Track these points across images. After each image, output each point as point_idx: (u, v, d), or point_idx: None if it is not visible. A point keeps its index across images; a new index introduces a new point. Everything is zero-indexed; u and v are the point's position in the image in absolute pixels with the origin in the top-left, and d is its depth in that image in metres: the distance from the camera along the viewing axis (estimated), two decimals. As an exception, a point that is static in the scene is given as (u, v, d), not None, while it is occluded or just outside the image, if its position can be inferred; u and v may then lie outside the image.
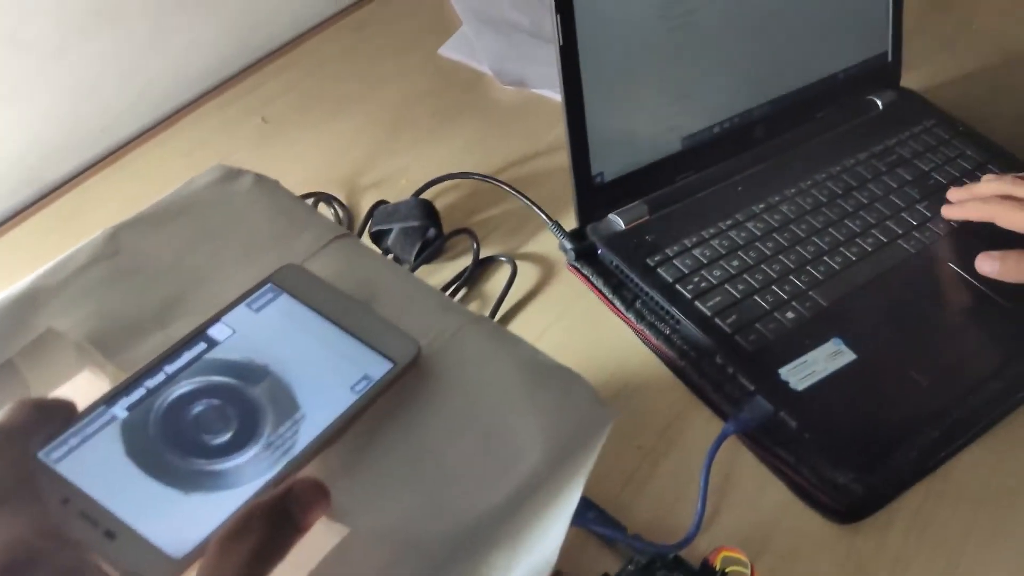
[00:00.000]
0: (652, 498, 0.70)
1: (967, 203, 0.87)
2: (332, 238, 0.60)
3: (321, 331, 0.53)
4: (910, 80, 1.04)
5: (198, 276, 0.57)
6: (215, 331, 0.52)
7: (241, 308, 0.54)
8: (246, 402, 0.49)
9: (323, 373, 0.51)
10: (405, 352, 0.52)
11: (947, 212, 0.88)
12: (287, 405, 0.49)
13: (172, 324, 0.55)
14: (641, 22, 0.82)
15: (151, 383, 0.49)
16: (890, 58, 1.01)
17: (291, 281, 0.55)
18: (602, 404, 0.53)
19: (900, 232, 0.87)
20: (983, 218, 0.85)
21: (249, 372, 0.51)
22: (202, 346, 0.51)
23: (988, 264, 0.82)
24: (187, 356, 0.51)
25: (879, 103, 1.01)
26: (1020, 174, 0.86)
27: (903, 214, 0.88)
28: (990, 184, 0.86)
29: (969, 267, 0.83)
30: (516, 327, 0.82)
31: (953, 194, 0.89)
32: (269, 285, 0.55)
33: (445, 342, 0.54)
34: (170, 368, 0.50)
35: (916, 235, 0.87)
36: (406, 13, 1.17)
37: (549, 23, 0.77)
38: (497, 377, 0.53)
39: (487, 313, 0.81)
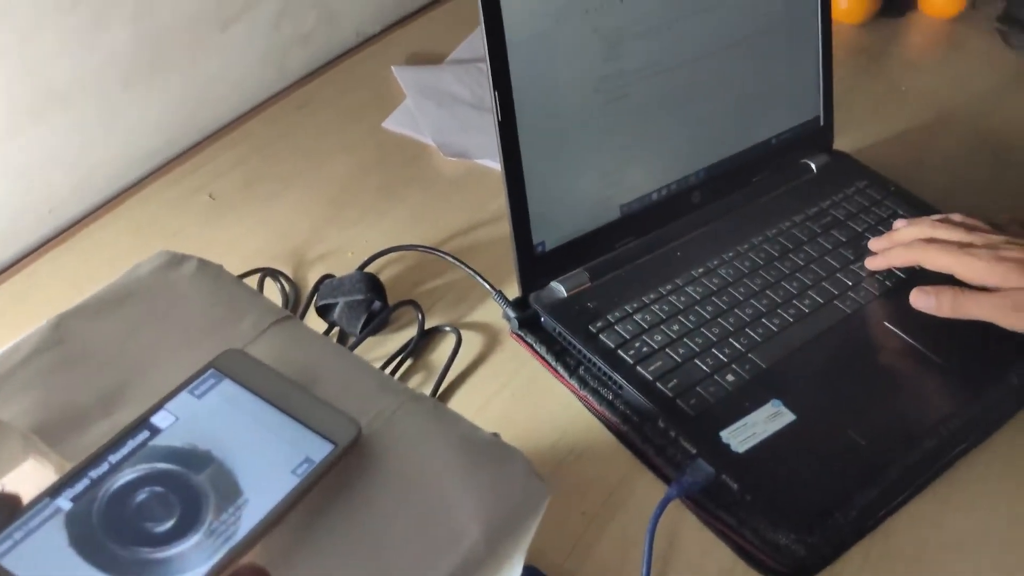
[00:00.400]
0: (598, 564, 0.71)
1: (890, 251, 0.89)
2: (273, 321, 0.61)
3: (263, 415, 0.54)
4: (843, 143, 1.07)
5: (142, 363, 0.58)
6: (158, 419, 0.53)
7: (184, 395, 0.54)
8: (189, 489, 0.50)
9: (265, 457, 0.52)
10: (346, 433, 0.53)
11: (872, 263, 0.90)
12: (230, 491, 0.50)
13: (117, 411, 0.55)
14: (577, 96, 0.84)
15: (95, 473, 0.50)
16: (822, 122, 1.04)
17: (233, 366, 0.56)
18: (539, 479, 0.54)
19: (836, 293, 0.89)
20: (908, 263, 0.87)
21: (192, 459, 0.51)
22: (145, 434, 0.52)
23: (923, 300, 0.84)
24: (130, 445, 0.51)
25: (813, 166, 1.04)
26: (936, 217, 0.89)
27: (838, 275, 0.91)
28: (910, 229, 0.89)
29: (904, 325, 0.85)
30: (462, 396, 0.83)
31: (874, 244, 0.92)
32: (212, 371, 0.56)
33: (384, 422, 0.55)
34: (114, 457, 0.51)
35: (851, 295, 0.89)
36: (350, 88, 1.19)
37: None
38: (435, 456, 0.54)
39: (433, 383, 0.82)
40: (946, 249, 0.84)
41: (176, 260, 0.65)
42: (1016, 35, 1.34)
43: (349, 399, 0.55)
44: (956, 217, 0.88)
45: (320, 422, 0.53)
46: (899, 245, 0.88)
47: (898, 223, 0.92)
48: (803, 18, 0.99)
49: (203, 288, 0.63)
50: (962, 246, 0.84)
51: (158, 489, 0.50)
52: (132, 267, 0.65)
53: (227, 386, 0.55)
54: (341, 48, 1.26)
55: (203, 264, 0.65)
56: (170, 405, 0.54)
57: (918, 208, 0.98)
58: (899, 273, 0.90)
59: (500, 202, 0.83)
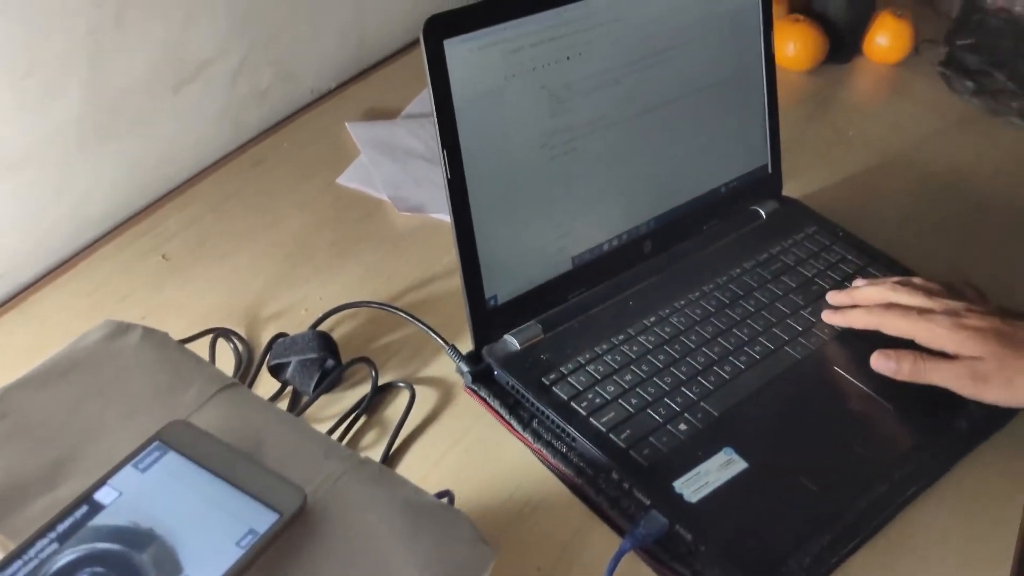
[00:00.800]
0: (554, 620, 0.71)
1: (850, 312, 0.90)
2: (218, 388, 0.61)
3: (207, 487, 0.54)
4: (792, 188, 1.09)
5: (87, 435, 0.58)
6: (101, 495, 0.53)
7: (128, 469, 0.54)
8: (130, 568, 0.50)
9: (208, 530, 0.52)
10: (291, 502, 0.53)
11: (830, 319, 0.91)
12: (171, 568, 0.50)
13: (61, 485, 0.55)
14: (526, 152, 0.85)
15: (36, 554, 0.50)
16: (770, 169, 1.06)
17: (178, 438, 0.56)
18: (484, 543, 0.54)
19: (786, 339, 0.90)
20: (868, 327, 0.88)
21: (133, 537, 0.51)
22: (87, 512, 0.52)
23: (884, 364, 0.85)
24: (72, 523, 0.51)
25: (763, 213, 1.05)
26: (895, 279, 0.90)
27: (789, 320, 0.92)
28: (870, 291, 0.90)
29: (854, 370, 0.86)
30: (416, 452, 0.83)
31: (834, 298, 0.93)
32: (156, 443, 0.56)
33: (329, 488, 0.55)
34: (55, 537, 0.50)
35: (802, 341, 0.90)
36: (304, 145, 1.20)
37: (440, 153, 0.80)
38: (380, 521, 0.54)
39: (387, 440, 0.82)
40: (906, 315, 0.85)
41: (121, 329, 0.65)
42: (959, 79, 1.37)
43: (294, 466, 0.56)
44: (916, 280, 0.90)
45: (265, 492, 0.54)
46: (859, 307, 0.90)
47: (858, 282, 0.93)
48: (748, 68, 1.01)
49: (148, 357, 0.63)
50: (922, 312, 0.85)
51: (99, 570, 0.49)
52: (77, 337, 0.65)
53: (172, 458, 0.55)
54: (297, 105, 1.27)
55: (148, 332, 0.65)
56: (114, 480, 0.54)
57: (866, 253, 1.00)
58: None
59: (454, 256, 0.83)
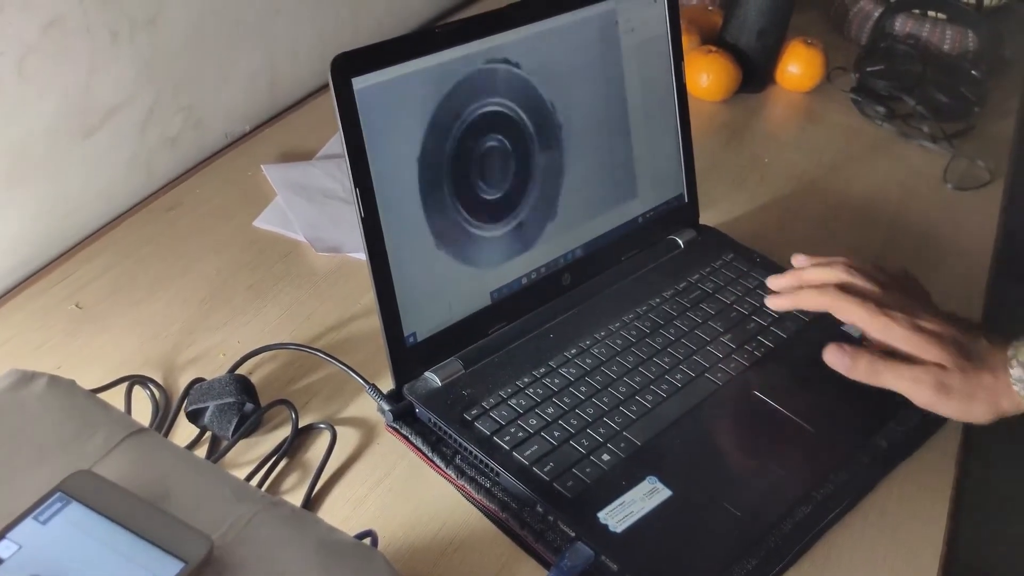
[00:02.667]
0: (481, 658, 0.70)
1: (800, 292, 0.87)
2: (126, 435, 0.59)
3: (112, 537, 0.53)
4: (709, 216, 1.10)
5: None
6: (0, 549, 0.51)
7: (28, 521, 0.53)
8: None
9: None
10: (196, 549, 0.52)
11: (776, 303, 0.89)
12: None
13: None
14: (413, 194, 0.84)
15: None
16: (686, 199, 1.07)
17: (81, 488, 0.55)
18: (399, 580, 0.54)
19: (707, 365, 0.90)
20: (819, 307, 0.85)
21: None
22: None
23: (839, 359, 0.82)
24: None
25: (680, 242, 1.06)
26: (843, 259, 0.88)
27: (708, 347, 0.92)
28: (823, 272, 0.87)
29: (774, 394, 0.87)
30: (339, 493, 0.82)
31: (776, 282, 0.91)
32: (58, 494, 0.54)
33: (240, 531, 0.54)
34: None
35: (722, 367, 0.90)
36: (220, 188, 1.18)
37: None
38: (292, 562, 0.53)
39: (308, 482, 0.81)
40: (864, 305, 0.82)
41: (26, 378, 0.63)
42: (870, 105, 1.40)
43: (204, 509, 0.54)
44: (868, 267, 0.87)
45: (170, 540, 0.52)
46: (810, 287, 0.87)
47: (799, 260, 0.90)
48: (660, 100, 1.02)
49: (54, 405, 0.61)
50: (880, 305, 0.82)
51: None
52: (-20, 389, 0.63)
53: (74, 509, 0.54)
54: (210, 149, 1.26)
55: (54, 380, 0.63)
56: (13, 533, 0.52)
57: (783, 277, 1.00)
58: (780, 333, 0.93)
59: (372, 295, 0.82)
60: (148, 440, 0.60)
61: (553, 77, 0.91)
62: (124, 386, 0.89)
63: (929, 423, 0.86)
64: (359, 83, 0.78)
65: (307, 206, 1.13)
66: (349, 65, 0.77)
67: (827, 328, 0.92)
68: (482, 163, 0.88)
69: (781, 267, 1.02)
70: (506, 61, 0.88)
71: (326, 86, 1.36)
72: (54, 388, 0.63)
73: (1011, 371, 0.78)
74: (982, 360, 0.80)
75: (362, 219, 0.80)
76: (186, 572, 0.51)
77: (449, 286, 0.88)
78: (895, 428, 0.85)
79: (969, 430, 0.88)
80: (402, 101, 0.81)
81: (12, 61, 0.94)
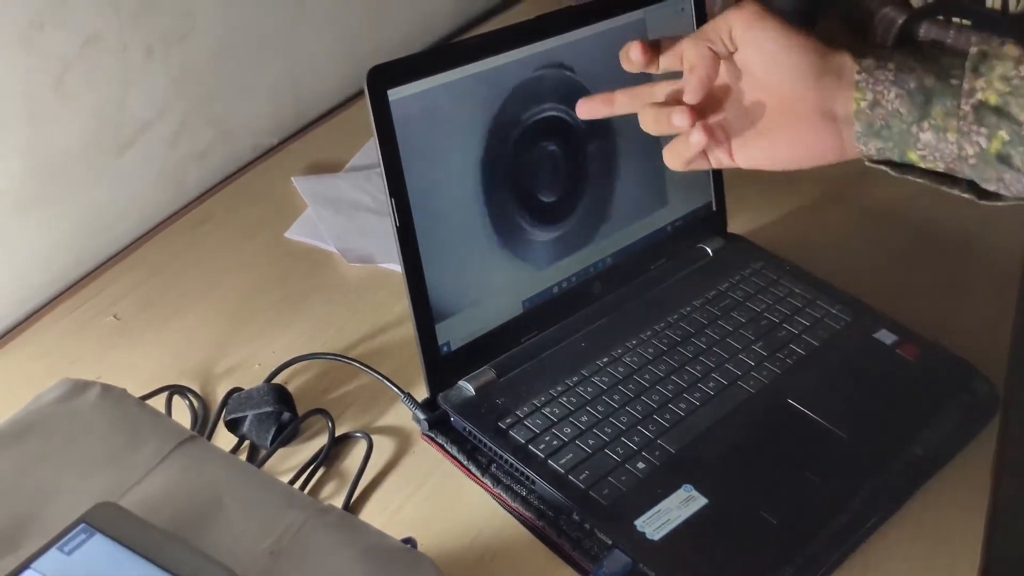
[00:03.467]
0: (520, 664, 0.71)
1: (616, 97, 0.79)
2: (178, 443, 0.60)
3: (135, 569, 0.53)
4: (737, 225, 1.10)
5: (43, 497, 0.57)
6: None
7: (53, 552, 0.53)
8: None
9: None
10: None
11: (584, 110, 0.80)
12: None
13: (17, 549, 0.54)
14: (471, 198, 0.86)
15: None
16: (715, 207, 1.07)
17: (105, 520, 0.55)
18: (448, 585, 0.54)
19: (739, 373, 0.90)
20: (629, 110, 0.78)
21: None
22: None
23: (653, 128, 0.76)
24: None
25: (709, 250, 1.06)
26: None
27: (740, 355, 0.92)
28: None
29: (807, 402, 0.87)
30: (376, 502, 0.82)
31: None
32: (83, 525, 0.54)
33: (292, 538, 0.55)
34: None
35: (754, 375, 0.90)
36: (250, 202, 1.19)
37: (388, 202, 0.80)
38: (343, 569, 0.54)
39: (346, 491, 0.82)
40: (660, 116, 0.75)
41: (79, 387, 0.64)
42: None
43: (256, 516, 0.55)
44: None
45: (194, 574, 0.53)
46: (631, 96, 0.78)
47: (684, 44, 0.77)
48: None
49: (106, 414, 0.62)
50: None
51: None
52: (34, 397, 0.64)
53: (98, 541, 0.54)
54: (239, 163, 1.26)
55: (106, 389, 0.64)
56: (38, 563, 0.52)
57: (811, 285, 1.01)
58: (812, 340, 0.94)
59: (405, 304, 0.83)
60: (199, 448, 0.61)
61: (600, 82, 0.92)
62: (164, 396, 0.90)
63: (965, 429, 0.86)
64: (395, 94, 0.79)
65: (337, 218, 1.14)
66: (385, 77, 0.78)
67: (859, 335, 0.92)
68: (541, 166, 0.90)
69: (810, 274, 1.03)
70: (560, 66, 0.89)
71: (350, 98, 1.38)
72: (106, 396, 0.64)
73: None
74: None
75: (397, 228, 0.81)
76: None
77: (483, 295, 0.88)
78: (930, 435, 0.85)
79: (1005, 441, 0.88)
80: (453, 109, 0.83)
81: (51, 78, 0.96)
